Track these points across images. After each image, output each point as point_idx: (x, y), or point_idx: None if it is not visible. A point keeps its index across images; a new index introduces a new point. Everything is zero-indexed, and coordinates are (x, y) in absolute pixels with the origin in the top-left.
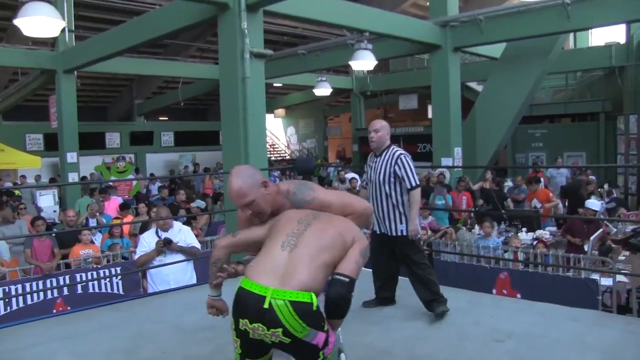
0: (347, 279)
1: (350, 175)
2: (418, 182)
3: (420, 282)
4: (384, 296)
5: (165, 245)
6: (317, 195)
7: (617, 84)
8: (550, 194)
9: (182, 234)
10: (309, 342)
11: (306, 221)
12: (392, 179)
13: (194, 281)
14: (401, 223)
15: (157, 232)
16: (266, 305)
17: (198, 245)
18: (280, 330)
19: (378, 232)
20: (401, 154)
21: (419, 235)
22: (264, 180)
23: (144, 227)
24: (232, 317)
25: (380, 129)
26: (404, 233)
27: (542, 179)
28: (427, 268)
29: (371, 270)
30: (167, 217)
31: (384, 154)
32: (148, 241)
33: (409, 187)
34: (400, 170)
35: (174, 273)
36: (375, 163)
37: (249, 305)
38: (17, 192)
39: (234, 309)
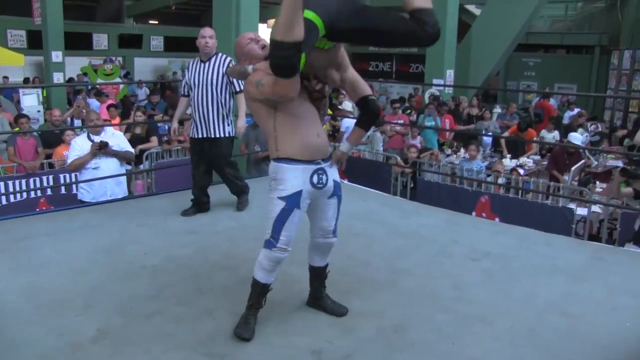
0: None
1: None
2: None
3: (230, 178)
4: (202, 201)
5: (101, 149)
6: None
7: (616, 17)
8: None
9: (115, 138)
10: None
11: None
12: (223, 83)
13: (125, 193)
14: (228, 125)
15: (89, 136)
16: None
17: (132, 150)
18: None
19: (197, 136)
20: (232, 60)
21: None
22: None
23: (128, 130)
24: None
25: (214, 35)
26: (231, 134)
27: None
28: (235, 166)
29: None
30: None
31: (212, 59)
32: (80, 145)
33: (237, 89)
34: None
35: (109, 183)
36: (203, 69)
37: None
38: None
39: None
